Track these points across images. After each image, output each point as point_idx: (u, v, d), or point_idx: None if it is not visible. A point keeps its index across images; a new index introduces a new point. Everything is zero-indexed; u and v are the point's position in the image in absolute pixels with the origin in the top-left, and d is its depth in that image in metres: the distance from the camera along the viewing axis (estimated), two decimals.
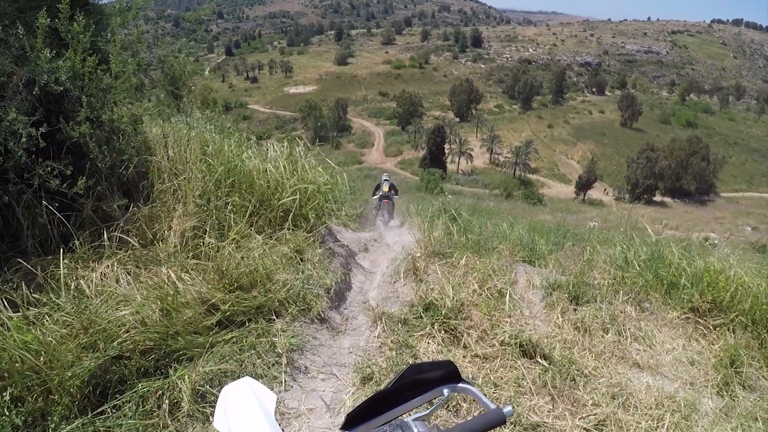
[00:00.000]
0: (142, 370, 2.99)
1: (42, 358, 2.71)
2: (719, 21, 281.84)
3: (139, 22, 5.13)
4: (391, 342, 3.90)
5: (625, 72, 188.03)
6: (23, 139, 3.28)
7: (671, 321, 4.46)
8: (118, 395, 2.82)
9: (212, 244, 3.96)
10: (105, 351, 2.89)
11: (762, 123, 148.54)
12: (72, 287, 3.30)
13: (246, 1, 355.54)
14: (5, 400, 2.54)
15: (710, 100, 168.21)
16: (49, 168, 3.46)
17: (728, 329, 4.29)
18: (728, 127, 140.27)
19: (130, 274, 3.56)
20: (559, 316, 4.34)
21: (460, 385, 1.31)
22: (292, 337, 3.57)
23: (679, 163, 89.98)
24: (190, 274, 3.65)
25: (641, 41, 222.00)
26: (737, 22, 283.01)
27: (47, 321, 2.98)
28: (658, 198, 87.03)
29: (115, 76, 4.07)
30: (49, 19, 3.45)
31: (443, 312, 4.08)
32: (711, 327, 4.36)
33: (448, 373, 1.31)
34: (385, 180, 11.54)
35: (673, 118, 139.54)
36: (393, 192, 11.31)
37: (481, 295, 4.44)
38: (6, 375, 2.62)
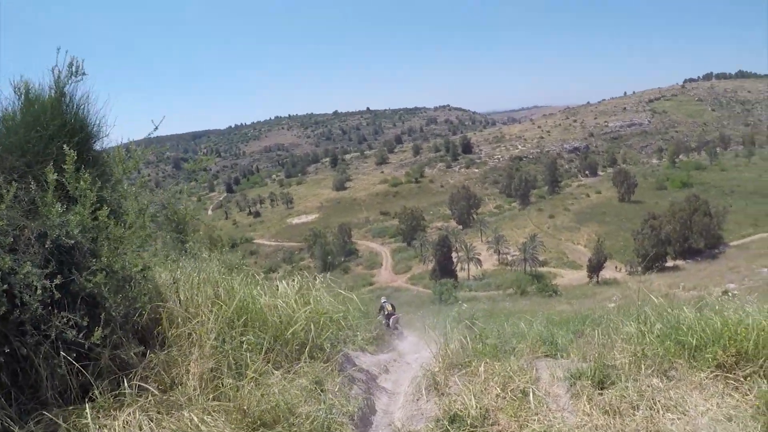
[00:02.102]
0: None
1: None
2: (691, 79, 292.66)
3: (142, 170, 5.19)
4: None
5: (613, 149, 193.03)
6: (38, 292, 3.33)
7: (700, 383, 4.35)
8: None
9: (231, 384, 4.00)
10: None
11: (753, 165, 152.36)
12: None
13: (241, 138, 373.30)
14: None
15: (699, 156, 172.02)
16: (65, 319, 3.49)
17: (759, 376, 4.18)
18: (722, 177, 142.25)
19: (152, 421, 3.56)
20: (586, 403, 4.25)
21: None
22: None
23: (683, 224, 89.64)
24: (212, 415, 3.65)
25: (622, 116, 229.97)
26: (708, 77, 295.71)
27: None
28: (670, 263, 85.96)
29: (129, 227, 4.24)
30: (56, 174, 3.61)
31: (469, 422, 4.03)
32: (741, 378, 4.25)
33: None
34: (384, 302, 14.60)
35: (667, 182, 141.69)
36: (394, 310, 14.28)
37: (504, 398, 4.39)
38: None
